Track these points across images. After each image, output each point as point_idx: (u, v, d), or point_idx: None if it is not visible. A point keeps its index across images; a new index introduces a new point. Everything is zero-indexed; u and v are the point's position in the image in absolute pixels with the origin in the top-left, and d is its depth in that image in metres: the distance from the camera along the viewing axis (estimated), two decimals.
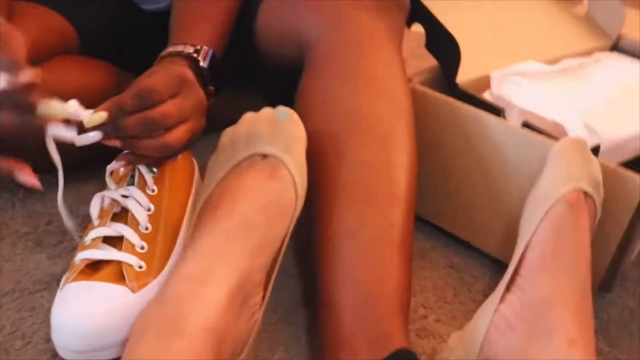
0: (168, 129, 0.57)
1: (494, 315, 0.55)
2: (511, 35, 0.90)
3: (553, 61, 0.86)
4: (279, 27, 0.73)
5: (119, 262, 0.58)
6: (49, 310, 0.59)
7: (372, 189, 0.59)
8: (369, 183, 0.59)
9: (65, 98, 0.53)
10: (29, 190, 0.81)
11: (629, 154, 0.71)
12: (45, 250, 0.72)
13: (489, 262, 0.74)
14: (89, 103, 0.55)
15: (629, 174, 0.62)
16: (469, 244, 0.75)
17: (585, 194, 0.59)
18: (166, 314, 0.50)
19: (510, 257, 0.59)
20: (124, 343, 0.52)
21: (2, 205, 0.79)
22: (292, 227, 0.57)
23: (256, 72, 0.82)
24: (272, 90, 0.85)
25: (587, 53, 0.90)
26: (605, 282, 0.68)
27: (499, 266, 0.70)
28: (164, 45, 0.66)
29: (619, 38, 0.94)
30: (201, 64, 0.64)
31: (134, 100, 0.55)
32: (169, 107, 0.56)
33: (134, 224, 0.60)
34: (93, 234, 0.60)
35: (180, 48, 0.64)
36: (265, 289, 0.56)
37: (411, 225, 0.60)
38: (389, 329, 0.54)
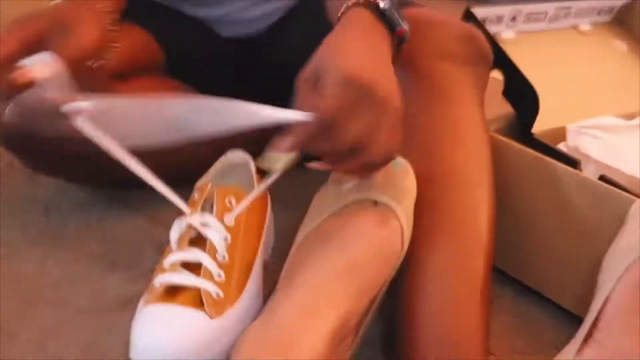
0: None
1: None
2: (589, 88, 0.92)
3: (629, 116, 0.87)
4: None
5: (197, 288, 0.60)
6: (124, 330, 0.62)
7: (459, 237, 0.62)
8: (456, 231, 0.62)
9: None
10: (103, 212, 0.85)
11: None
12: (120, 272, 0.74)
13: (561, 315, 0.74)
14: None
15: None
16: (540, 295, 0.76)
17: None
18: (279, 338, 0.52)
19: (584, 311, 0.60)
20: None
21: (78, 226, 0.82)
22: (391, 277, 0.59)
23: None
24: None
25: None
26: None
27: (571, 319, 0.70)
28: (245, 72, 0.68)
29: None
30: (381, 5, 0.58)
31: (317, 130, 0.51)
32: (354, 133, 0.51)
33: (212, 252, 0.62)
34: (172, 258, 0.62)
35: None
36: (356, 333, 0.58)
37: (490, 274, 0.62)
38: None
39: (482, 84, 0.72)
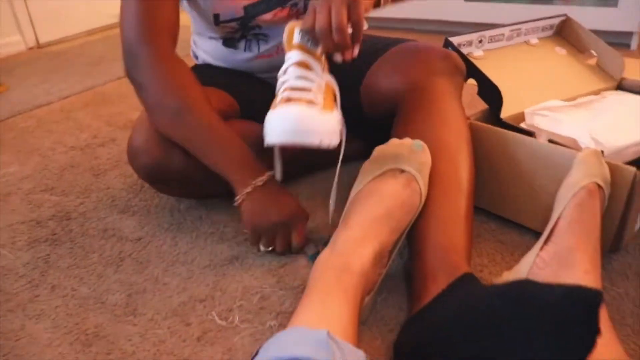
0: None
1: (536, 258, 0.81)
2: (540, 80, 1.17)
3: (571, 99, 1.13)
4: (378, 89, 1.06)
5: (308, 100, 0.84)
6: (234, 276, 0.93)
7: (447, 188, 0.88)
8: (444, 185, 0.88)
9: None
10: (210, 207, 1.17)
11: (629, 157, 0.99)
12: (226, 243, 1.05)
13: (527, 237, 1.01)
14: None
15: (625, 166, 0.88)
16: (514, 223, 1.03)
17: (599, 186, 0.83)
18: (338, 262, 0.75)
19: (544, 229, 0.85)
20: (313, 140, 0.81)
21: (193, 219, 1.14)
22: (411, 222, 0.85)
23: (358, 122, 1.12)
24: (368, 135, 1.15)
25: (597, 92, 1.19)
26: (613, 246, 0.95)
27: (535, 238, 0.91)
28: None
29: (621, 80, 1.23)
30: None
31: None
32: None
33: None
34: (293, 56, 0.88)
35: None
36: (389, 256, 0.85)
37: (472, 207, 0.89)
38: (460, 268, 0.78)
39: (459, 88, 1.02)
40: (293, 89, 0.86)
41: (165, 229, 1.11)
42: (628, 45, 2.01)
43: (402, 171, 0.85)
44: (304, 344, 0.57)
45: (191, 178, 1.04)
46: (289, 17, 1.12)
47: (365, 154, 0.92)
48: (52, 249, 1.07)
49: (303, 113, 0.82)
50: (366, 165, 0.89)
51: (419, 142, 0.88)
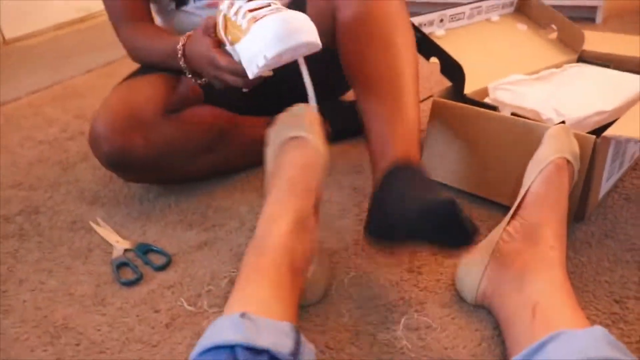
0: None
1: (503, 232, 0.82)
2: (502, 56, 1.19)
3: (534, 73, 1.15)
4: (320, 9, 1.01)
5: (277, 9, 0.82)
6: (203, 262, 0.94)
7: (397, 95, 0.91)
8: (394, 91, 0.91)
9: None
10: (178, 195, 1.17)
11: (589, 127, 1.01)
12: (194, 229, 1.05)
13: (498, 212, 1.01)
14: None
15: (585, 135, 0.90)
16: (484, 199, 1.05)
17: (568, 161, 0.85)
18: (254, 245, 0.76)
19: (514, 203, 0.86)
20: (308, 38, 0.80)
21: (162, 205, 1.14)
22: (323, 176, 0.83)
23: None
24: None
25: (559, 65, 1.20)
26: (577, 215, 0.97)
27: (504, 212, 0.93)
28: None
29: (582, 52, 1.25)
30: None
31: None
32: None
33: None
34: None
35: None
36: (315, 217, 0.82)
37: (417, 99, 0.92)
38: (394, 156, 0.85)
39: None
40: (253, 9, 0.83)
41: (134, 218, 1.11)
42: (593, 19, 2.03)
43: (293, 137, 0.84)
44: (224, 329, 0.61)
45: (152, 163, 1.07)
46: None
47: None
48: (20, 244, 1.06)
49: (284, 16, 0.80)
50: (266, 149, 0.89)
51: (300, 105, 0.87)
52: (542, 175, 0.83)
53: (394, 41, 0.93)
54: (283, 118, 0.88)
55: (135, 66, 1.24)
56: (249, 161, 1.21)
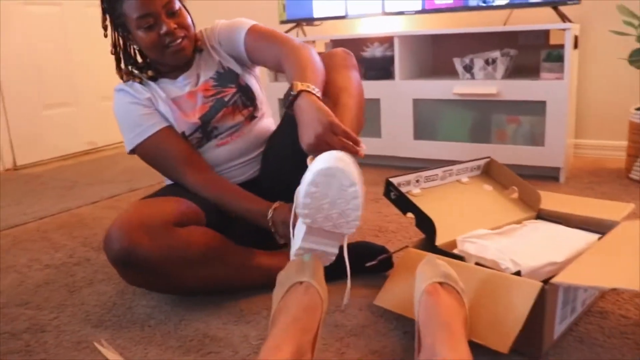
0: None
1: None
2: (470, 213, 1.35)
3: (497, 228, 1.31)
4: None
5: None
6: None
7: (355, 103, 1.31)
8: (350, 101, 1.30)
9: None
10: (177, 323, 1.26)
11: (544, 276, 1.14)
12: (192, 355, 1.15)
13: None
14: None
15: (530, 281, 1.02)
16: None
17: (440, 283, 1.01)
18: None
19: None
20: (350, 174, 1.00)
21: (162, 332, 1.24)
22: (323, 317, 0.97)
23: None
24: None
25: (519, 221, 1.37)
26: (534, 352, 1.06)
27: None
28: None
29: (539, 211, 1.42)
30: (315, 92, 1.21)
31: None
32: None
33: None
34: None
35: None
36: (312, 351, 0.93)
37: (361, 111, 1.34)
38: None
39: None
40: None
41: (137, 342, 1.21)
42: (557, 179, 2.25)
43: (301, 282, 1.00)
44: None
45: (155, 263, 1.21)
46: (233, 111, 1.49)
47: None
48: None
49: (342, 155, 1.03)
50: (275, 292, 1.05)
51: (307, 255, 1.05)
52: (420, 305, 1.00)
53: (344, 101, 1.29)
54: (293, 264, 1.04)
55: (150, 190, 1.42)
56: (239, 284, 1.36)
